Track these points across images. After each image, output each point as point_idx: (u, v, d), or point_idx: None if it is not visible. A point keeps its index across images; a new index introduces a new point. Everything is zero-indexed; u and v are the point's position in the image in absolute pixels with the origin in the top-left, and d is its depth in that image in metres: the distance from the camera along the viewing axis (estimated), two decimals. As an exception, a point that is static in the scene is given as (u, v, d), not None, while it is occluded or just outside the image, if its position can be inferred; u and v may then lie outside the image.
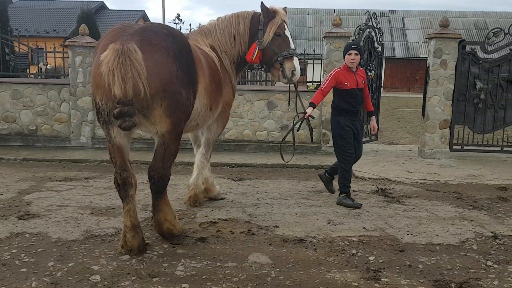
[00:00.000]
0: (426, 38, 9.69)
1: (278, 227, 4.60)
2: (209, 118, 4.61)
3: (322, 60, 8.78)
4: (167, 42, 3.67)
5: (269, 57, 4.73)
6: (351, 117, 5.34)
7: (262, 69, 5.16)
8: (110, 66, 3.24)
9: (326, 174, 5.81)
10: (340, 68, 5.40)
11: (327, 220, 4.85)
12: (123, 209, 3.79)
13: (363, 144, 5.77)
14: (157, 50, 3.56)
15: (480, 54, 8.50)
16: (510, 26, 8.18)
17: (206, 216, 4.87)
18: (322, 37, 9.09)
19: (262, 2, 4.79)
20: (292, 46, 4.73)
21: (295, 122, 5.27)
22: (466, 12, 42.31)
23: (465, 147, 8.54)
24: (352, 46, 5.30)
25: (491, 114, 8.40)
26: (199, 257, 3.81)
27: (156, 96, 3.53)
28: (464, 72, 8.29)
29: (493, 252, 4.06)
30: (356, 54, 5.24)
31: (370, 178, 6.87)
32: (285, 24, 4.77)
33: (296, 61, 4.71)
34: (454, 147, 8.50)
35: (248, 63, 5.05)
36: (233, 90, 5.03)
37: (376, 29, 8.89)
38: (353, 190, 6.05)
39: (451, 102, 8.30)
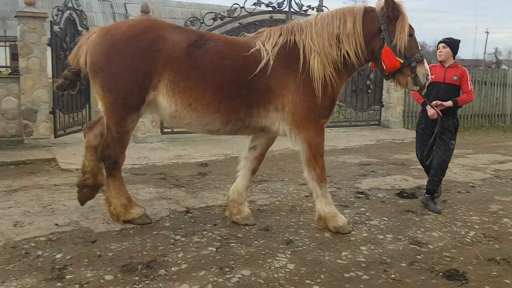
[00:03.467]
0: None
1: None
2: (200, 120, 4.01)
3: (17, 42, 7.76)
4: (118, 30, 3.96)
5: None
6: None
7: (384, 75, 4.25)
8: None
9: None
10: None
11: (14, 223, 4.27)
12: None
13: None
14: (104, 34, 3.98)
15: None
16: (204, 15, 8.98)
17: None
18: (14, 16, 8.02)
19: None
20: (420, 47, 4.13)
21: None
22: (183, 3, 45.36)
23: (175, 129, 9.05)
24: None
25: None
26: None
27: (90, 72, 4.00)
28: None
29: (183, 226, 4.34)
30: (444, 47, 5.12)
31: (77, 169, 6.47)
32: None
33: (426, 64, 4.16)
34: (165, 130, 8.91)
35: (360, 67, 4.33)
36: (323, 99, 4.03)
37: (78, 11, 8.39)
38: (55, 184, 5.58)
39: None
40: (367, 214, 4.84)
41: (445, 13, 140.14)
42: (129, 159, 7.17)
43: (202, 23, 8.92)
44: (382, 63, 4.01)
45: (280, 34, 4.07)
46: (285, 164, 7.15)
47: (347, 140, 9.48)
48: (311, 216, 4.63)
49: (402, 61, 3.98)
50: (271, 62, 3.92)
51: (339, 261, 3.68)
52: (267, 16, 9.66)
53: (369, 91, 10.87)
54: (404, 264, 3.66)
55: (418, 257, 3.83)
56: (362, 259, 3.73)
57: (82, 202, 4.46)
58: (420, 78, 4.08)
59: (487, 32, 59.42)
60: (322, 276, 3.41)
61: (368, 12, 4.06)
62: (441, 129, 4.99)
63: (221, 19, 9.11)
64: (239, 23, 9.44)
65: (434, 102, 4.95)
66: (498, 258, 3.85)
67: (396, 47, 3.97)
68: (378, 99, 11.13)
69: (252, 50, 3.97)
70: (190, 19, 8.96)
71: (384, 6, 4.00)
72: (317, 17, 4.11)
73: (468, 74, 5.14)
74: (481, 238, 4.30)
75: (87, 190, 4.40)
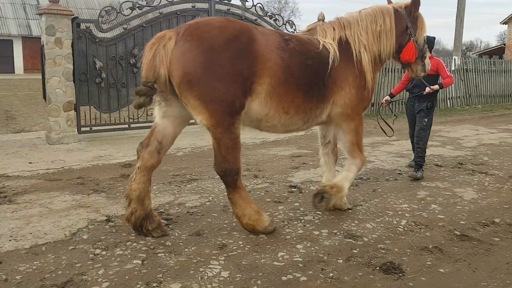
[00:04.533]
0: (36, 14, 8.91)
1: None
2: (295, 124, 4.06)
3: None
4: (208, 35, 3.55)
5: (417, 53, 4.63)
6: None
7: (403, 66, 4.87)
8: (144, 51, 3.61)
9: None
10: None
11: None
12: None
13: None
14: (191, 40, 3.50)
15: (98, 34, 8.43)
16: (121, 4, 8.38)
17: None
18: None
19: None
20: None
21: None
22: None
23: (93, 128, 8.42)
24: None
25: (115, 93, 8.54)
26: None
27: (182, 85, 3.52)
28: (82, 51, 8.05)
29: (103, 237, 3.91)
30: None
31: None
32: None
33: None
34: (82, 129, 8.25)
35: (386, 61, 4.79)
36: (367, 91, 4.38)
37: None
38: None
39: (72, 82, 7.93)
40: (301, 209, 4.71)
41: (359, 4, 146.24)
42: (43, 163, 6.55)
43: (119, 13, 8.31)
44: (405, 55, 4.58)
45: (334, 29, 4.29)
46: (215, 160, 6.87)
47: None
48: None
49: (414, 52, 4.57)
50: (338, 57, 4.13)
51: (275, 263, 3.49)
52: (189, 5, 9.24)
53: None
54: (341, 261, 3.55)
55: (354, 251, 3.74)
56: (299, 259, 3.56)
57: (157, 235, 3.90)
58: (427, 66, 4.81)
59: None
60: (258, 282, 3.19)
61: (396, 11, 4.53)
62: (417, 110, 6.17)
63: (139, 9, 8.55)
64: (159, 13, 8.94)
65: (431, 88, 5.94)
66: (430, 247, 3.87)
67: (417, 42, 4.59)
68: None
69: (321, 46, 4.10)
70: (105, 9, 8.30)
71: (412, 7, 4.54)
72: (361, 14, 4.42)
73: (443, 63, 6.15)
74: (413, 226, 4.33)
75: (143, 224, 3.87)
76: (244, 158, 7.00)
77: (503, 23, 27.55)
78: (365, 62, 4.27)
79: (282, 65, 3.78)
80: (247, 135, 8.84)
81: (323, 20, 10.65)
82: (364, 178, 5.96)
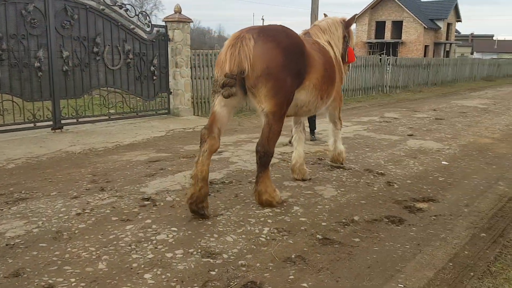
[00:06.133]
0: None
1: None
2: (321, 106, 5.23)
3: None
4: (280, 37, 4.36)
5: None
6: None
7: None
8: (226, 47, 4.22)
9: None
10: None
11: None
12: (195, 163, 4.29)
13: None
14: (269, 41, 4.24)
15: None
16: None
17: None
18: None
19: (356, 15, 6.38)
20: None
21: None
22: None
23: None
24: None
25: None
26: None
27: (261, 77, 4.17)
28: None
29: None
30: None
31: None
32: None
33: None
34: None
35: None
36: (341, 82, 5.86)
37: None
38: None
39: None
40: (154, 226, 4.10)
41: (226, 1, 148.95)
42: None
43: None
44: (351, 58, 6.08)
45: (323, 33, 5.61)
46: (55, 172, 5.84)
47: (134, 134, 8.52)
48: (82, 242, 3.65)
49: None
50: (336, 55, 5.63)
51: (116, 303, 2.84)
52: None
53: (155, 77, 10.07)
54: (196, 288, 3.05)
55: (212, 273, 3.28)
56: (146, 294, 2.97)
57: (205, 215, 4.32)
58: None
59: (262, 19, 65.18)
60: (91, 334, 2.52)
61: (341, 23, 5.87)
62: None
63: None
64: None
65: None
66: (293, 256, 3.59)
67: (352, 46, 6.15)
68: (165, 86, 10.43)
69: (326, 47, 5.45)
70: None
71: (351, 21, 6.01)
72: (328, 23, 5.75)
73: None
74: (275, 234, 4.03)
75: (204, 200, 4.31)
76: (91, 167, 6.10)
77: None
78: (340, 60, 5.70)
79: (320, 63, 4.88)
80: (97, 139, 7.86)
81: (179, 12, 10.07)
82: (226, 182, 5.55)
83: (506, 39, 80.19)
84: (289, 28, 4.65)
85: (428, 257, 3.69)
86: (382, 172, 6.21)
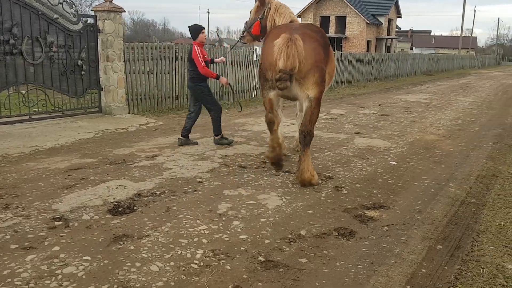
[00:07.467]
0: None
1: None
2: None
3: None
4: (318, 36, 5.45)
5: None
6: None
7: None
8: (280, 48, 4.98)
9: (182, 137, 7.22)
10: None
11: None
12: (269, 137, 5.78)
13: None
14: (313, 41, 5.28)
15: None
16: None
17: None
18: None
19: None
20: None
21: None
22: None
23: None
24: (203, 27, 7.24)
25: None
26: None
27: (311, 70, 5.14)
28: None
29: None
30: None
31: None
32: None
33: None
34: None
35: None
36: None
37: None
38: None
39: None
40: (62, 256, 3.37)
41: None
42: None
43: None
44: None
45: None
46: None
47: (57, 136, 7.56)
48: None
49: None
50: None
51: None
52: None
53: (83, 72, 9.08)
54: None
55: (129, 318, 2.63)
56: None
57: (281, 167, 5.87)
58: None
59: (208, 12, 63.96)
60: None
61: None
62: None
63: None
64: None
65: None
66: (230, 287, 3.02)
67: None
68: (95, 82, 9.47)
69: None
70: None
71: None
72: (277, 4, 6.38)
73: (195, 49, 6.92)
74: (210, 258, 3.44)
75: (280, 159, 5.83)
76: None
77: (297, 16, 29.88)
78: None
79: (331, 53, 5.87)
80: (13, 143, 6.89)
81: (110, 1, 9.18)
82: (158, 193, 4.88)
83: (442, 35, 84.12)
84: (319, 27, 6.05)
85: (384, 280, 3.25)
86: (330, 175, 5.78)
